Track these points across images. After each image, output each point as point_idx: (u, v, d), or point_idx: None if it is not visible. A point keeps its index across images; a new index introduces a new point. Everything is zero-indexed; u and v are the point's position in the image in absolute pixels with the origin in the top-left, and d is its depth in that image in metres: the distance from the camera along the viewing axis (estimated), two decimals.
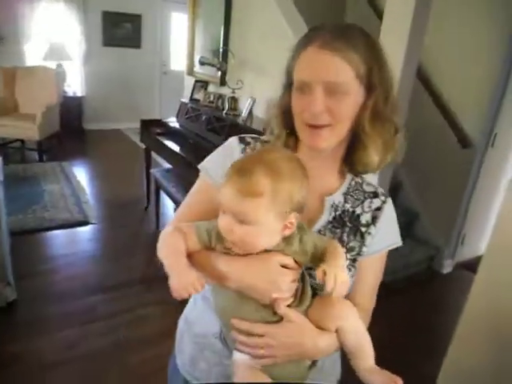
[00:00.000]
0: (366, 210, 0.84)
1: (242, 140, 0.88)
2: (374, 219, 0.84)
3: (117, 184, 4.41)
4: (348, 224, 0.83)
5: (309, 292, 0.76)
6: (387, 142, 0.82)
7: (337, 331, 0.76)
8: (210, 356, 0.86)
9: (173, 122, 3.71)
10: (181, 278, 0.68)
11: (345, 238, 0.82)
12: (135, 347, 2.16)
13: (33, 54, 5.61)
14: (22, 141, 5.09)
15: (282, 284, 0.71)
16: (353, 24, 0.80)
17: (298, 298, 0.75)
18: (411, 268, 3.30)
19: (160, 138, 3.48)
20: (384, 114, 0.79)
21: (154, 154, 3.83)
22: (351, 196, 0.85)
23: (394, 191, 3.30)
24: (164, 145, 3.34)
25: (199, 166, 0.89)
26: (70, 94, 5.93)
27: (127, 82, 6.52)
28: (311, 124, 0.76)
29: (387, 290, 2.91)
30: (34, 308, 2.40)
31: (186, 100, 3.83)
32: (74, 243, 3.26)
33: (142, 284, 2.73)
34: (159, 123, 3.78)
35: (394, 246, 0.87)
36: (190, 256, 0.72)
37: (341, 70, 0.73)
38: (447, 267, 3.43)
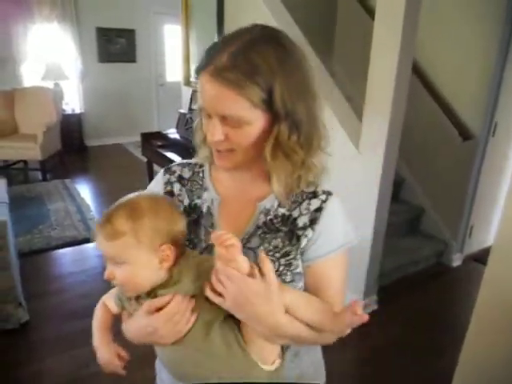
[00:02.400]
0: (304, 212, 0.79)
1: (167, 171, 0.92)
2: (313, 221, 0.78)
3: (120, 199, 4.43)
4: (282, 228, 0.79)
5: None
6: (291, 175, 0.77)
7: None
8: None
9: (173, 134, 3.73)
10: (101, 355, 0.81)
11: (278, 242, 0.78)
12: (150, 362, 2.16)
13: (30, 75, 5.65)
14: (25, 161, 5.12)
15: (163, 328, 0.72)
16: (270, 35, 0.72)
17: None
18: (421, 264, 3.29)
19: (161, 150, 3.50)
20: (290, 146, 0.73)
21: (156, 167, 3.84)
22: (287, 199, 0.80)
23: (397, 188, 3.29)
24: (165, 157, 3.36)
25: None
26: (69, 111, 5.97)
27: (124, 96, 6.55)
28: (214, 148, 0.77)
29: (398, 288, 2.93)
30: (47, 328, 2.40)
31: (184, 110, 3.85)
32: (83, 260, 3.26)
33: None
34: (159, 135, 3.80)
35: (349, 246, 0.82)
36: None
37: (233, 104, 0.68)
38: (456, 261, 3.41)
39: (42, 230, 3.61)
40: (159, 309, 0.72)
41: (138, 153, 5.91)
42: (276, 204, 0.80)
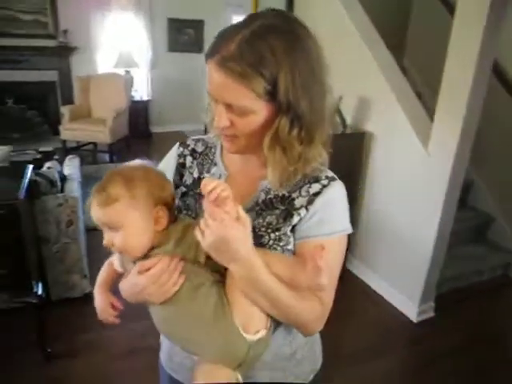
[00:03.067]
0: (304, 194, 0.80)
1: (182, 144, 0.96)
2: (309, 202, 0.79)
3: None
4: (280, 207, 0.80)
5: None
6: (286, 168, 0.77)
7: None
8: (180, 349, 0.86)
9: None
10: (96, 303, 0.87)
11: (272, 219, 0.79)
12: None
13: (104, 62, 5.97)
14: (95, 144, 5.43)
15: (150, 288, 0.75)
16: (282, 22, 0.70)
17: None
18: (485, 274, 3.10)
19: None
20: (288, 139, 0.73)
21: None
22: (281, 188, 0.81)
23: (465, 191, 3.11)
24: None
25: None
26: (137, 98, 6.23)
27: (190, 85, 6.72)
28: (220, 132, 0.79)
29: (458, 297, 2.79)
30: None
31: None
32: None
33: None
34: None
35: (341, 234, 0.80)
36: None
37: (237, 94, 0.69)
38: None
39: None
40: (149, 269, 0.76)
41: None
42: (278, 185, 0.81)
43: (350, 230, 0.82)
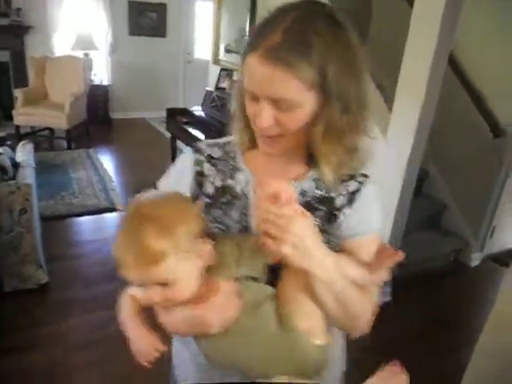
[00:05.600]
0: (343, 193, 0.78)
1: (196, 150, 0.87)
2: (350, 201, 0.78)
3: (142, 172, 4.47)
4: (321, 208, 0.78)
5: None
6: (343, 160, 0.75)
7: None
8: (221, 374, 0.79)
9: (198, 111, 3.74)
10: (136, 343, 0.71)
11: (317, 222, 0.76)
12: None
13: (61, 43, 5.70)
14: (51, 129, 5.21)
15: (211, 318, 0.68)
16: (320, 10, 0.69)
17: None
18: (438, 260, 3.24)
19: (186, 126, 3.51)
20: (341, 128, 0.71)
21: (179, 143, 3.86)
22: (324, 181, 0.78)
23: (420, 180, 3.23)
24: (190, 133, 3.37)
25: (159, 182, 0.89)
26: (97, 82, 6.02)
27: (152, 70, 6.56)
28: (261, 133, 0.74)
29: (413, 282, 2.90)
30: (65, 290, 2.48)
31: (211, 89, 3.84)
32: (102, 229, 3.33)
33: None
34: (185, 112, 3.81)
35: (377, 231, 0.80)
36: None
37: (287, 86, 0.65)
38: (475, 260, 3.35)
39: (64, 196, 3.68)
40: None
41: (161, 128, 5.95)
42: (314, 186, 0.79)
43: (382, 228, 0.82)
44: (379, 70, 3.71)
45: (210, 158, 0.86)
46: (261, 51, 0.65)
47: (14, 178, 2.35)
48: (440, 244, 3.29)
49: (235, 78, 3.76)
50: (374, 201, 0.81)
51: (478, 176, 3.18)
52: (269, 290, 0.72)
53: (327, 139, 0.71)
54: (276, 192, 0.62)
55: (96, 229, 3.35)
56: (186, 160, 0.87)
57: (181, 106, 6.23)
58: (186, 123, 3.60)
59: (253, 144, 0.81)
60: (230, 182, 0.83)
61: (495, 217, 3.27)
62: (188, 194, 0.82)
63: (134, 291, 0.73)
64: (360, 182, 0.79)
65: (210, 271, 0.70)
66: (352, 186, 0.79)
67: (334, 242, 0.77)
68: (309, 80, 0.65)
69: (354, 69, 0.70)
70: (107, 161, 4.79)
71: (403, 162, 2.36)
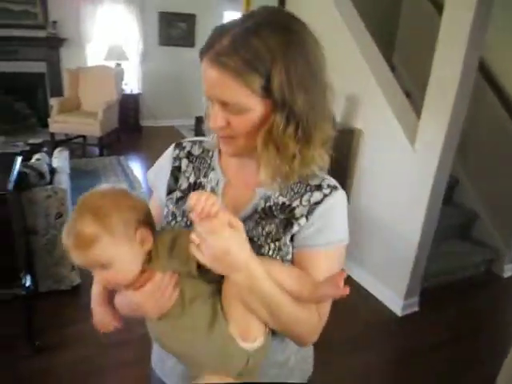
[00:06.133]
0: (304, 203, 0.78)
1: (177, 146, 0.91)
2: (309, 212, 0.77)
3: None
4: (279, 216, 0.78)
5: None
6: (280, 168, 0.74)
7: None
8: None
9: None
10: (95, 319, 0.85)
11: (272, 228, 0.77)
12: None
13: (94, 54, 5.91)
14: (84, 137, 5.39)
15: (145, 304, 0.74)
16: (277, 18, 0.70)
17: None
18: (469, 270, 3.17)
19: None
20: (281, 140, 0.70)
21: None
22: (291, 189, 0.79)
23: (450, 189, 3.17)
24: None
25: (148, 173, 0.97)
26: (128, 91, 6.19)
27: (181, 80, 6.70)
28: (216, 134, 0.77)
29: (442, 292, 2.85)
30: None
31: None
32: None
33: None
34: None
35: (339, 244, 0.79)
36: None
37: (232, 90, 0.67)
38: (508, 271, 3.25)
39: None
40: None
41: (190, 135, 6.04)
42: (277, 193, 0.79)
43: (347, 241, 0.80)
44: (407, 77, 3.70)
45: (188, 155, 0.89)
46: (210, 55, 0.68)
47: (50, 183, 2.45)
48: (471, 254, 3.21)
49: None
50: (338, 213, 0.79)
51: (509, 184, 3.09)
52: (208, 288, 0.75)
53: (266, 146, 0.72)
54: (193, 205, 0.63)
55: None
56: (167, 154, 0.92)
57: None
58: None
59: None
60: (202, 179, 0.86)
61: None
62: (165, 187, 0.89)
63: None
64: (325, 195, 0.78)
65: (147, 261, 0.75)
66: (315, 197, 0.78)
67: (284, 251, 0.77)
68: (255, 86, 0.67)
69: (307, 79, 0.69)
70: (137, 167, 4.91)
71: (432, 170, 2.33)
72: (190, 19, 6.51)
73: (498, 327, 2.63)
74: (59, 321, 2.31)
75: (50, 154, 3.04)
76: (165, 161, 0.92)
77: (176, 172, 0.89)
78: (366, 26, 2.82)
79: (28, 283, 2.06)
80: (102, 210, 0.71)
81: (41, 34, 5.38)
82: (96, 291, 0.85)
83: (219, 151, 0.87)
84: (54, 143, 4.92)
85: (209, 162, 0.88)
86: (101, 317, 0.84)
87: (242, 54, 0.65)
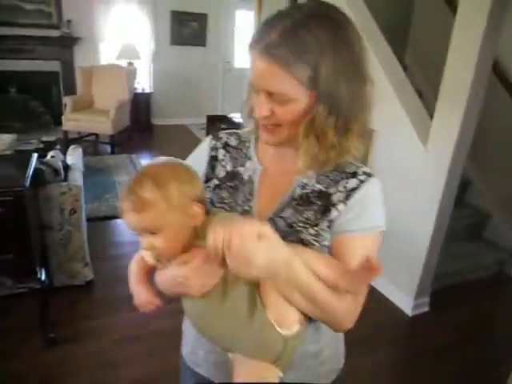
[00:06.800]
0: (341, 189, 0.80)
1: (214, 137, 0.95)
2: (347, 198, 0.79)
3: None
4: (317, 202, 0.80)
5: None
6: (317, 157, 0.77)
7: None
8: (206, 343, 0.87)
9: (237, 118, 3.81)
10: (136, 298, 0.85)
11: (310, 215, 0.79)
12: None
13: (106, 53, 5.98)
14: (97, 135, 5.45)
15: (191, 279, 0.74)
16: (322, 11, 0.72)
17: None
18: (480, 272, 3.14)
19: None
20: (324, 127, 0.73)
21: None
22: (326, 177, 0.81)
23: (462, 189, 3.15)
24: None
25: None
26: (140, 90, 6.25)
27: (192, 78, 6.74)
28: (261, 123, 0.79)
29: (453, 293, 2.83)
30: (109, 288, 2.59)
31: None
32: None
33: None
34: (225, 119, 3.90)
35: (376, 230, 0.80)
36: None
37: (280, 81, 0.70)
38: None
39: (108, 199, 3.85)
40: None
41: (200, 134, 6.09)
42: (314, 180, 0.82)
43: (384, 228, 0.81)
44: (420, 77, 3.68)
45: (225, 145, 0.93)
46: (260, 47, 0.70)
47: (65, 180, 2.49)
48: (483, 255, 3.19)
49: None
50: (375, 199, 0.81)
51: None
52: None
53: (307, 135, 0.75)
54: (213, 248, 0.65)
55: None
56: (204, 145, 0.95)
57: (219, 113, 6.35)
58: (226, 130, 3.69)
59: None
60: (239, 168, 0.89)
61: None
62: (201, 174, 0.89)
63: (143, 253, 0.83)
64: (361, 181, 0.80)
65: (197, 237, 0.76)
66: (352, 183, 0.80)
67: (322, 237, 0.79)
68: (302, 77, 0.69)
69: (351, 71, 0.72)
70: None
71: (444, 170, 2.32)
72: (201, 18, 6.54)
73: (509, 329, 2.61)
74: (73, 315, 2.35)
75: (64, 152, 3.09)
76: (201, 151, 0.95)
77: (213, 161, 0.92)
78: (379, 25, 2.81)
79: (43, 277, 2.10)
80: (162, 178, 0.74)
81: (55, 33, 5.46)
82: (134, 269, 0.86)
83: (256, 141, 0.90)
84: (67, 141, 4.98)
85: (245, 151, 0.91)
86: (139, 295, 0.85)
87: (291, 46, 0.68)
